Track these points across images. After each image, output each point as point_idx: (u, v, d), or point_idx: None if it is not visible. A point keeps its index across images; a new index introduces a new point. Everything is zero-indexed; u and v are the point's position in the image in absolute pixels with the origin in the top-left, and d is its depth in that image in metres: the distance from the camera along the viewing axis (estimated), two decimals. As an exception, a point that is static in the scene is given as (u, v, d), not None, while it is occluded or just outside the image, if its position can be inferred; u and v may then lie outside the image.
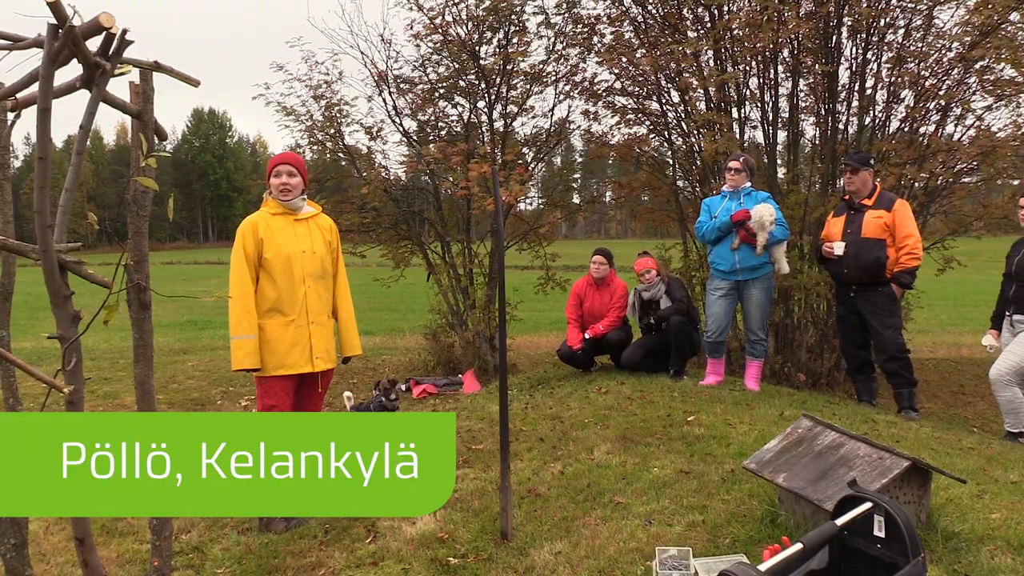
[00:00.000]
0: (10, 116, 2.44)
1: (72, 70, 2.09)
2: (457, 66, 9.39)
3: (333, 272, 4.53)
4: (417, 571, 3.44)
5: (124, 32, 2.02)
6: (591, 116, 9.88)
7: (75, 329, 2.12)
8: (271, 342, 4.23)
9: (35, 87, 1.99)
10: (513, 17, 9.15)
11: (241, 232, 4.26)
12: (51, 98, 1.96)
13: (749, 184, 6.66)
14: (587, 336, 7.41)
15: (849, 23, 8.12)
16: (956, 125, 8.61)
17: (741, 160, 6.66)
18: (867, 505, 2.47)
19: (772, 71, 8.54)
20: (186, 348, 12.96)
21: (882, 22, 8.07)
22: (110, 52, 2.05)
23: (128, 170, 2.42)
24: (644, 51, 8.71)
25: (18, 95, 2.18)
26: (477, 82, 9.43)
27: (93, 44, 2.03)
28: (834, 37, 8.15)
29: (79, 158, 2.09)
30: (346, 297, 4.59)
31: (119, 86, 2.28)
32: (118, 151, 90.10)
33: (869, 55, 8.31)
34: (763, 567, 2.19)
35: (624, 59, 8.89)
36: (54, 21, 1.89)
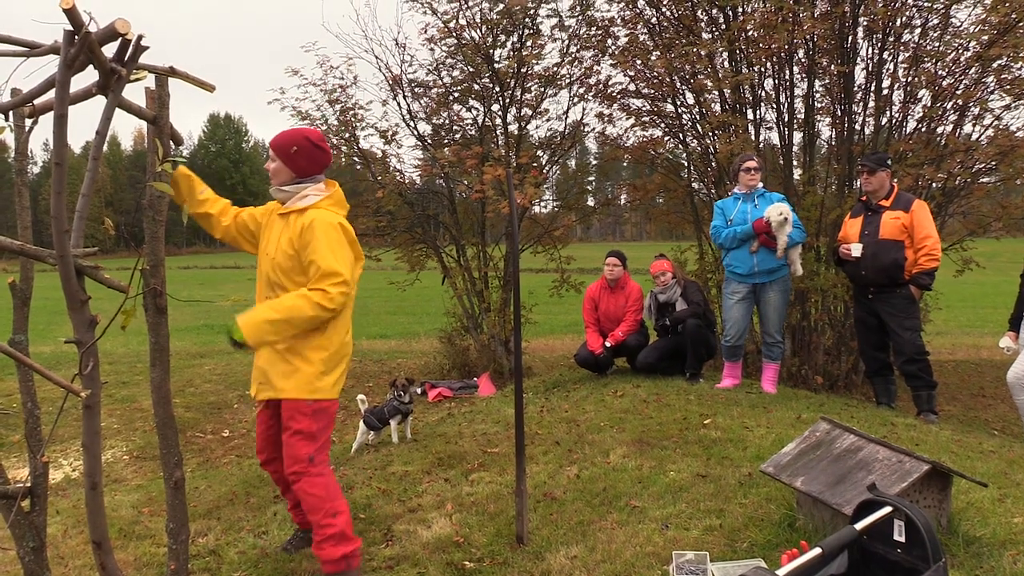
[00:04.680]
0: (28, 122, 2.45)
1: (88, 76, 2.11)
2: (471, 69, 9.41)
3: (304, 281, 3.33)
4: (433, 575, 3.43)
5: (139, 38, 2.03)
6: (606, 119, 9.89)
7: (92, 333, 2.14)
8: None
9: (52, 93, 2.01)
10: (527, 20, 9.15)
11: None
12: (68, 104, 1.97)
13: (761, 185, 6.63)
14: (608, 345, 7.37)
15: (865, 23, 8.07)
16: (974, 125, 8.54)
17: (757, 160, 6.63)
18: (887, 509, 2.44)
19: (787, 72, 8.50)
20: (203, 352, 13.02)
21: (898, 22, 8.01)
22: (126, 58, 2.06)
23: (145, 175, 2.44)
24: (658, 53, 8.70)
25: (35, 101, 2.20)
26: (491, 85, 9.43)
27: (109, 50, 2.04)
28: (850, 37, 8.10)
29: (95, 163, 2.11)
30: (293, 295, 3.29)
31: (135, 92, 2.29)
32: (135, 156, 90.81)
33: (885, 55, 8.25)
34: (781, 572, 2.17)
35: (638, 61, 8.88)
36: (70, 28, 1.90)
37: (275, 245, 3.44)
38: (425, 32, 9.27)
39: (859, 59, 8.33)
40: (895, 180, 6.60)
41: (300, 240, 3.32)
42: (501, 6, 8.89)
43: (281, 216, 3.51)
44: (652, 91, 9.31)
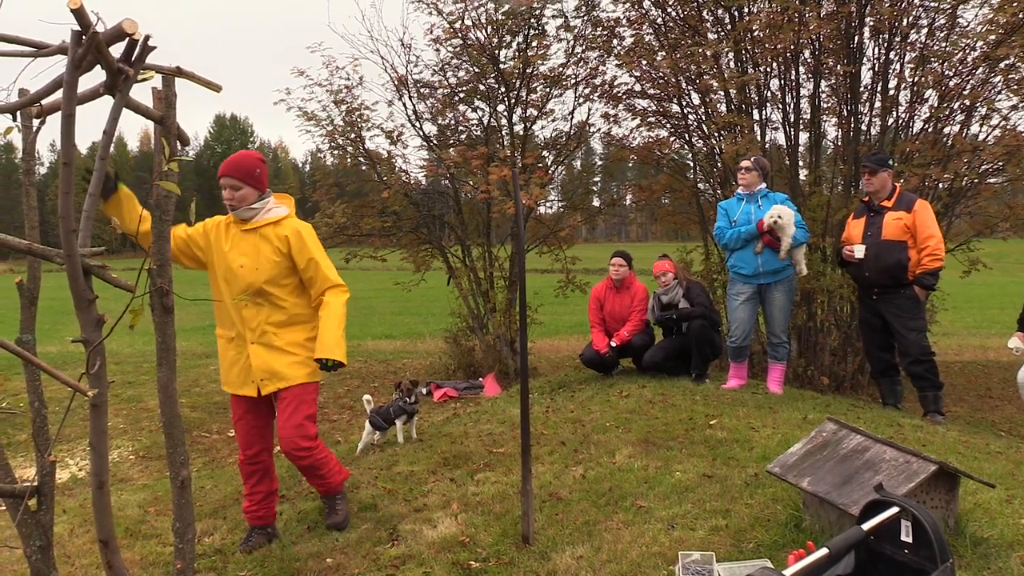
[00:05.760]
0: (35, 122, 2.46)
1: (96, 76, 2.11)
2: (477, 70, 9.42)
3: (292, 283, 3.93)
4: (438, 575, 3.43)
5: (147, 38, 2.04)
6: (611, 119, 9.88)
7: (99, 333, 2.14)
8: (220, 357, 4.08)
9: (59, 93, 2.01)
10: (532, 20, 9.15)
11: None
12: (75, 104, 1.97)
13: (764, 185, 6.62)
14: (614, 345, 7.35)
15: (871, 23, 8.05)
16: (981, 125, 8.51)
17: (752, 159, 6.62)
18: (894, 510, 2.43)
19: (793, 72, 8.49)
20: (208, 352, 13.03)
21: (905, 22, 7.99)
22: (133, 58, 2.06)
23: (151, 175, 2.44)
24: (664, 53, 8.69)
25: (43, 101, 2.20)
26: (497, 86, 9.44)
27: (116, 50, 2.05)
28: (856, 37, 8.08)
29: (103, 163, 2.11)
30: (328, 306, 3.90)
31: (142, 92, 2.30)
32: (141, 157, 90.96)
33: (892, 55, 8.23)
34: (788, 572, 2.17)
35: (644, 62, 8.87)
36: (78, 28, 1.90)
37: (255, 257, 3.85)
38: (431, 33, 9.30)
39: (865, 59, 8.32)
40: (901, 180, 6.57)
41: (289, 246, 3.87)
42: (506, 7, 8.89)
43: (249, 231, 3.90)
44: (658, 91, 9.30)
